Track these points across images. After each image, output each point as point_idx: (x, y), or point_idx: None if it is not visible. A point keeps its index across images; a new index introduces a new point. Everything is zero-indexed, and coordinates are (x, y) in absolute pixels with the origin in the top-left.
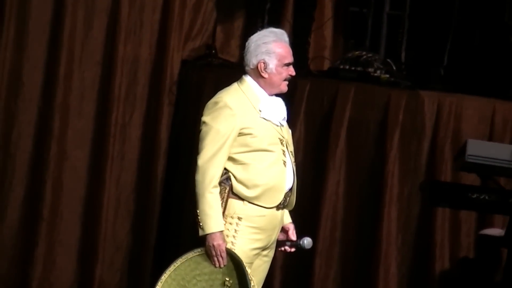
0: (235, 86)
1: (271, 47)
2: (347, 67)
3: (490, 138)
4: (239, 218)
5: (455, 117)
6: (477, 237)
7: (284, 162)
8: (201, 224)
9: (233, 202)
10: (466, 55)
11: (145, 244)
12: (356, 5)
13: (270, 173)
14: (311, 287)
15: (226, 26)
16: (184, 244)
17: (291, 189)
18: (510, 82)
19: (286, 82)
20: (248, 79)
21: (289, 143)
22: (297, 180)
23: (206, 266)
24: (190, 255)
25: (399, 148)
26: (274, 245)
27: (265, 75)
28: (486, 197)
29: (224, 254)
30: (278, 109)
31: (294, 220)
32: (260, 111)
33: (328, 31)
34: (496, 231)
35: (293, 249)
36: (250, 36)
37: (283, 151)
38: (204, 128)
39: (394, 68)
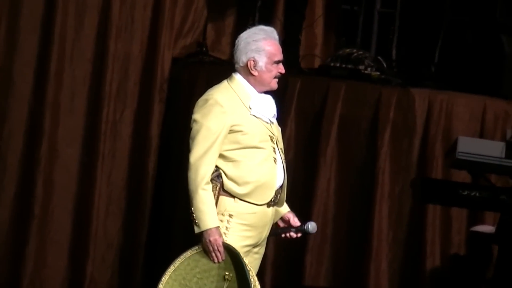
0: (225, 83)
1: (261, 45)
2: (338, 64)
3: (481, 135)
4: (230, 215)
5: (446, 114)
6: (468, 234)
7: (275, 159)
8: (196, 221)
9: (224, 200)
10: (457, 53)
11: (136, 241)
12: (347, 3)
13: (261, 170)
14: (302, 284)
15: (217, 23)
16: (175, 241)
17: (281, 187)
18: (501, 80)
19: (276, 80)
20: (238, 77)
21: (279, 140)
22: (288, 178)
23: (205, 263)
24: (188, 253)
25: (390, 145)
26: (265, 242)
27: (255, 73)
28: (477, 194)
29: (221, 249)
30: (268, 106)
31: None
32: (250, 108)
33: (319, 29)
34: (487, 228)
35: (299, 234)
36: (241, 33)
37: (274, 148)
38: (195, 126)
39: (385, 65)
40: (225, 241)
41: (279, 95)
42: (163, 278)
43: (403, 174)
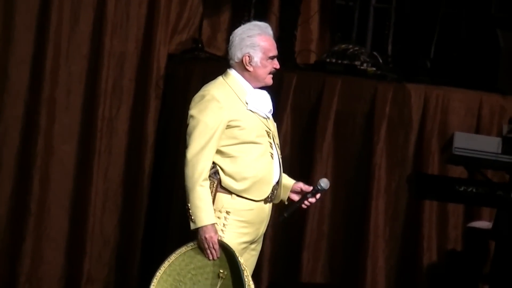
0: (220, 79)
1: (255, 40)
2: (334, 60)
3: (477, 131)
4: (227, 212)
5: (442, 109)
6: (465, 229)
7: (272, 155)
8: (192, 217)
9: (221, 196)
10: (453, 48)
11: (132, 238)
12: None
13: (258, 165)
14: (299, 280)
15: (212, 20)
16: (172, 238)
17: (278, 182)
18: (497, 75)
19: (271, 75)
20: (233, 73)
21: (275, 135)
22: (284, 173)
23: (200, 260)
24: (183, 249)
25: (386, 140)
26: (262, 238)
27: (250, 69)
28: (474, 190)
29: (216, 246)
30: (265, 101)
31: (281, 212)
32: (247, 103)
33: (314, 25)
34: (483, 224)
35: (318, 196)
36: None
37: (270, 143)
38: (191, 122)
39: (381, 61)
40: (221, 239)
41: (275, 91)
42: (158, 273)
43: (399, 170)
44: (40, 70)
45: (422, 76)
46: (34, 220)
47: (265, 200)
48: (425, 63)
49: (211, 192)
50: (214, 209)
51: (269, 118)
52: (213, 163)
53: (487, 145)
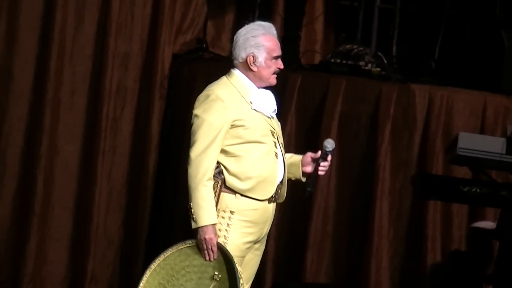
0: (224, 79)
1: (260, 40)
2: (338, 60)
3: (482, 131)
4: (232, 212)
5: (447, 110)
6: (469, 230)
7: (276, 154)
8: (194, 216)
9: (225, 196)
10: (458, 49)
11: (136, 238)
12: None
13: (263, 164)
14: (303, 280)
15: (217, 20)
16: (176, 238)
17: (282, 182)
18: (501, 75)
19: (275, 76)
20: (237, 72)
21: (279, 135)
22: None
23: (196, 258)
24: (181, 246)
25: (391, 141)
26: (265, 238)
27: (254, 69)
28: (478, 190)
29: (215, 248)
30: (269, 101)
31: (285, 213)
32: (251, 103)
33: (319, 25)
34: (488, 224)
35: (329, 158)
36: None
37: (275, 143)
38: (196, 121)
39: (385, 61)
40: (226, 239)
41: (279, 91)
42: (152, 265)
43: (403, 170)
44: (44, 70)
45: (426, 77)
46: (38, 220)
47: (269, 200)
48: (430, 63)
49: (216, 192)
50: (218, 209)
51: (273, 117)
52: (217, 162)
53: (492, 145)
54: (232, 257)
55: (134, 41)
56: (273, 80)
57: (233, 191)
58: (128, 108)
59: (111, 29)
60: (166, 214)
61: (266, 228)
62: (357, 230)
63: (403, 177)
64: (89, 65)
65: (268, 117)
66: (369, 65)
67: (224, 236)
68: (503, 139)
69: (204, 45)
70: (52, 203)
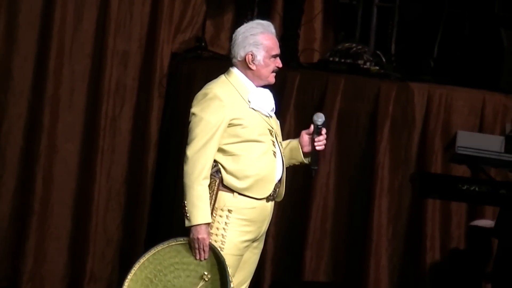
0: (222, 78)
1: (258, 39)
2: (337, 59)
3: (480, 130)
4: (229, 211)
5: (445, 108)
6: (468, 228)
7: (274, 153)
8: (188, 215)
9: (223, 195)
10: (456, 47)
11: (136, 237)
12: None
13: (261, 163)
14: (302, 278)
15: (216, 18)
16: (174, 236)
17: (280, 180)
18: (500, 74)
19: (274, 74)
20: (235, 71)
21: (278, 134)
22: (286, 172)
23: (186, 256)
24: (172, 242)
25: (389, 140)
26: (264, 237)
27: (253, 67)
28: (477, 189)
29: (206, 248)
30: (267, 100)
31: (284, 212)
32: (249, 101)
33: (318, 24)
34: (486, 222)
35: (324, 131)
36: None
37: (273, 141)
38: (193, 119)
39: (384, 60)
40: (221, 240)
41: (278, 89)
42: (141, 259)
43: (402, 169)
44: (43, 69)
45: (425, 75)
46: (37, 219)
47: (267, 198)
48: (429, 62)
49: (213, 190)
50: (216, 208)
51: (271, 116)
52: (215, 161)
53: (490, 144)
54: (224, 260)
55: (133, 39)
56: (271, 79)
57: (231, 189)
58: (127, 107)
59: (110, 27)
60: (165, 213)
61: (265, 227)
62: (356, 228)
63: (402, 176)
64: (88, 64)
65: (266, 116)
66: (368, 63)
67: (222, 234)
68: (501, 138)
69: (203, 44)
70: (51, 202)
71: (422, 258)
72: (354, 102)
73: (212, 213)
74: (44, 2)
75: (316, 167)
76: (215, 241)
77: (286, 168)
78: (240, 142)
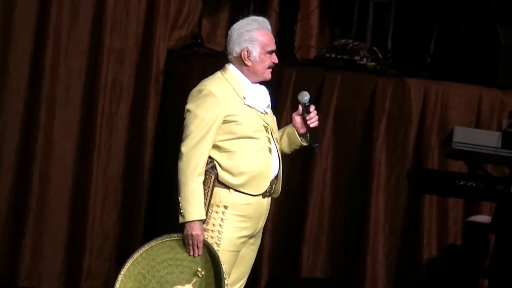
0: (218, 74)
1: (254, 35)
2: (334, 55)
3: (477, 126)
4: (225, 207)
5: (442, 104)
6: (465, 224)
7: (270, 149)
8: (182, 211)
9: (218, 191)
10: (453, 43)
11: (133, 234)
12: None
13: (256, 160)
14: (299, 275)
15: (212, 15)
16: (170, 233)
17: (276, 177)
18: (497, 70)
19: (270, 70)
20: (231, 68)
21: (274, 130)
22: (283, 168)
23: (179, 252)
24: (166, 238)
25: (386, 136)
26: (261, 233)
27: (249, 63)
28: (474, 184)
29: (200, 245)
30: (263, 96)
31: (281, 208)
32: (244, 98)
33: (314, 20)
34: (483, 218)
35: (312, 108)
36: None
37: (268, 138)
38: (188, 116)
39: (381, 56)
40: (218, 236)
41: (275, 86)
42: (135, 254)
43: (399, 165)
44: (39, 66)
45: (422, 71)
46: (34, 216)
47: (263, 195)
48: (425, 58)
49: (209, 186)
50: (212, 204)
51: (267, 113)
52: (210, 157)
53: (487, 139)
54: (218, 257)
55: (129, 36)
56: (267, 75)
57: (227, 186)
58: (123, 104)
59: (106, 25)
60: (162, 210)
61: (261, 223)
62: (353, 224)
63: (399, 172)
64: (85, 61)
65: (262, 113)
66: (365, 59)
67: (218, 230)
68: (498, 133)
69: (199, 41)
70: (48, 199)
71: (419, 254)
72: (350, 98)
73: (208, 209)
74: (40, 0)
75: (316, 144)
76: (211, 237)
77: (291, 154)
78: (235, 138)
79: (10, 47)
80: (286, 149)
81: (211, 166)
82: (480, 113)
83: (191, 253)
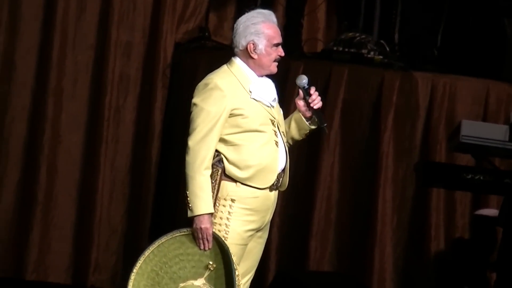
0: (224, 68)
1: (260, 28)
2: (341, 48)
3: (484, 119)
4: (232, 200)
5: (449, 98)
6: (472, 217)
7: (276, 143)
8: (190, 205)
9: (225, 184)
10: (460, 36)
11: (140, 227)
12: None
13: (262, 153)
14: (306, 268)
15: (219, 8)
16: (178, 227)
17: (283, 170)
18: (504, 63)
19: (276, 63)
20: (237, 61)
21: (280, 123)
22: (291, 162)
23: (190, 247)
24: (176, 233)
25: (393, 129)
26: (268, 226)
27: (255, 56)
28: (481, 178)
29: (210, 238)
30: (269, 90)
31: (289, 202)
32: (250, 92)
33: (321, 13)
34: (491, 211)
35: (312, 90)
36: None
37: (275, 131)
38: (194, 110)
39: (388, 49)
40: (225, 230)
41: (282, 79)
42: (146, 251)
43: (406, 158)
44: (46, 60)
45: (429, 65)
46: (42, 210)
47: (270, 188)
48: (432, 51)
49: (216, 180)
50: (219, 197)
51: (273, 106)
52: (217, 151)
53: (494, 133)
54: (228, 249)
55: (136, 30)
56: (273, 68)
57: (234, 179)
58: (130, 97)
59: (113, 18)
60: (169, 203)
61: (268, 216)
62: (360, 218)
63: (406, 165)
64: (92, 54)
65: (268, 106)
66: (372, 53)
67: (226, 224)
68: (505, 127)
69: (207, 34)
70: (55, 192)
71: (426, 247)
72: (358, 92)
73: (215, 203)
74: None
75: (325, 124)
76: (219, 230)
77: (298, 147)
78: (241, 132)
79: (17, 40)
80: (297, 136)
81: (218, 159)
82: (487, 106)
83: (201, 247)
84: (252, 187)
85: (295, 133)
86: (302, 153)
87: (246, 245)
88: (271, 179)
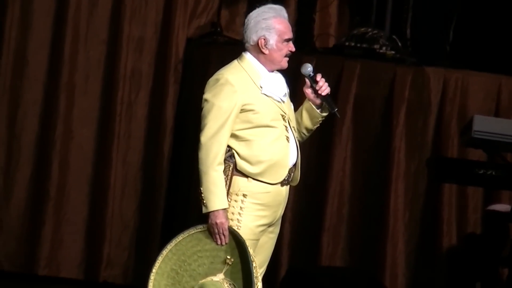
0: (235, 63)
1: (271, 23)
2: (353, 44)
3: (496, 114)
4: (244, 195)
5: (461, 93)
6: (484, 212)
7: (287, 138)
8: (204, 201)
9: (237, 180)
10: (472, 31)
11: (152, 222)
12: None
13: (274, 148)
14: (318, 264)
15: (231, 3)
16: (191, 222)
17: (295, 165)
18: None
19: (287, 59)
20: (248, 56)
21: (291, 118)
22: (302, 156)
23: (207, 243)
24: (192, 231)
25: (406, 124)
26: (280, 221)
27: (266, 51)
28: (493, 173)
29: (226, 233)
30: (279, 85)
31: (301, 197)
32: (261, 87)
33: (333, 8)
34: (503, 207)
35: (318, 78)
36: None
37: (286, 126)
38: (206, 106)
39: (400, 44)
40: (237, 224)
41: (293, 75)
42: (164, 251)
43: (418, 153)
44: (58, 55)
45: (441, 60)
46: (54, 205)
47: (282, 183)
48: (444, 46)
49: (228, 175)
50: (231, 192)
51: (284, 101)
52: (229, 146)
53: (507, 128)
54: (244, 241)
55: (149, 25)
56: (284, 63)
57: (245, 174)
58: (142, 93)
59: (125, 13)
60: (181, 198)
61: (280, 211)
62: (372, 213)
63: (418, 160)
64: (104, 50)
65: (279, 101)
66: (384, 48)
67: (238, 219)
68: None
69: (218, 29)
70: (67, 188)
71: (438, 242)
72: (370, 87)
73: (227, 198)
74: None
75: (336, 109)
76: (231, 225)
77: (309, 143)
78: (252, 127)
79: (29, 35)
80: (310, 125)
81: (229, 155)
82: (499, 102)
83: (218, 242)
84: (263, 182)
85: (308, 123)
86: (314, 148)
87: (258, 240)
88: (283, 174)
